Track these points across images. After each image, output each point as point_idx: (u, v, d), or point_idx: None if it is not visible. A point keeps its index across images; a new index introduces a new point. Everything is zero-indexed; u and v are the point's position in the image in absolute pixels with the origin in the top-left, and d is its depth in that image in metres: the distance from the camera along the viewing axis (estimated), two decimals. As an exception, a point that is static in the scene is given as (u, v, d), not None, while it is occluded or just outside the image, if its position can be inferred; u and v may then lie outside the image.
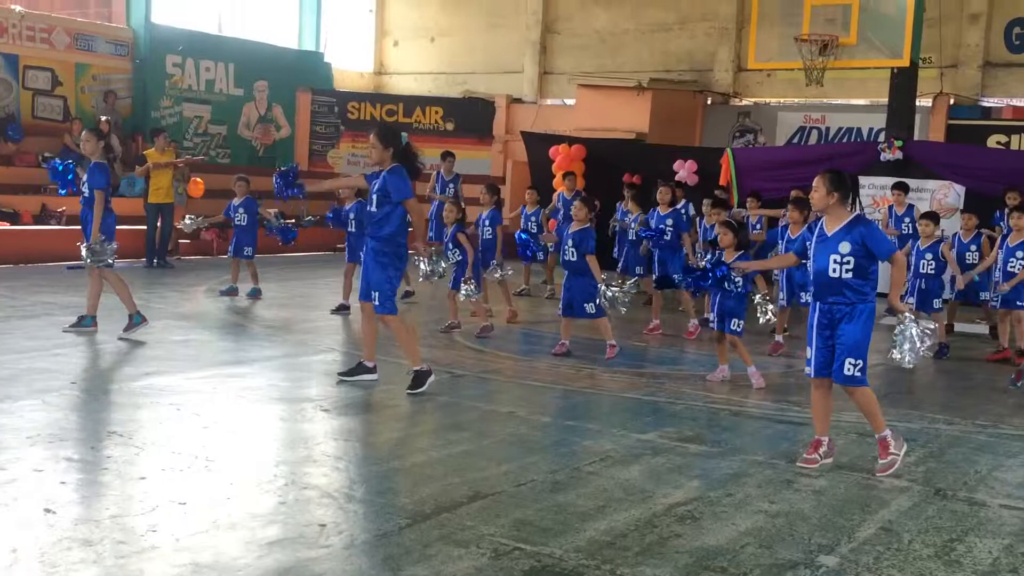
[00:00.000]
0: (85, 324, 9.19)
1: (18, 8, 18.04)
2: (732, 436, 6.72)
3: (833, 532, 4.86)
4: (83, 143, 9.34)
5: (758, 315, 8.26)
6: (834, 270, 5.78)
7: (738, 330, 8.31)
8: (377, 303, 7.44)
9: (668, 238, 11.19)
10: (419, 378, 7.48)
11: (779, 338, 10.11)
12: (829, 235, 5.86)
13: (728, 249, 8.46)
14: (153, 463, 5.44)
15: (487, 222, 11.22)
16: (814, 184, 5.95)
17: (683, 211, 12.20)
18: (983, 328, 11.99)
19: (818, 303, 5.92)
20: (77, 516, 4.55)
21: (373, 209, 7.42)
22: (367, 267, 7.53)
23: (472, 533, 4.57)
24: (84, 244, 9.09)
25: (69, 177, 9.50)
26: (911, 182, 13.72)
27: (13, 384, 7.06)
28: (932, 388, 9.17)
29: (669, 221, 11.27)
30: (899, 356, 5.92)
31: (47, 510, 4.58)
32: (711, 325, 8.64)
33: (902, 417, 7.35)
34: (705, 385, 8.34)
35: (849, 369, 5.77)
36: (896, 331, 5.95)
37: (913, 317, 5.96)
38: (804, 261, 6.16)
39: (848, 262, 5.75)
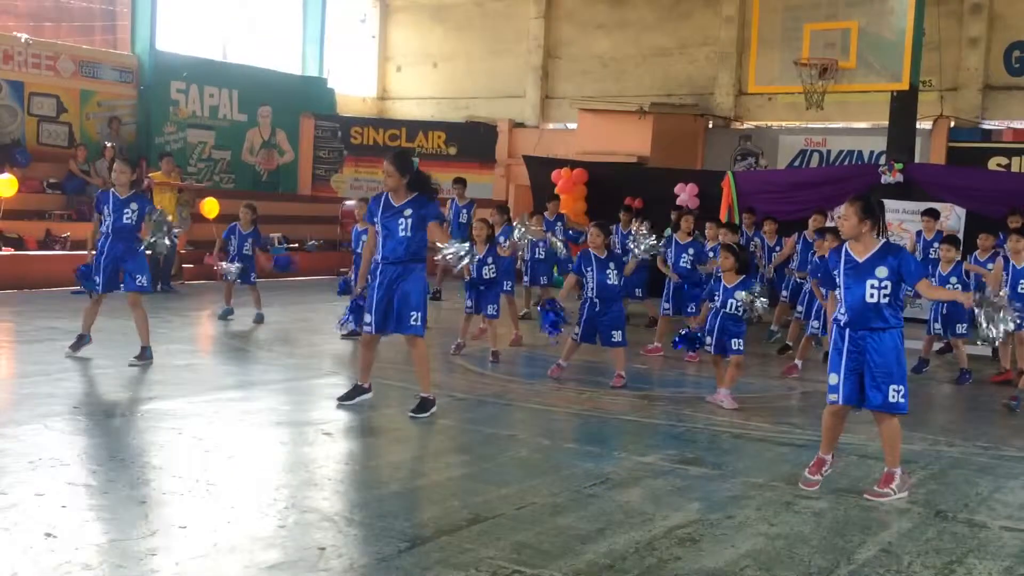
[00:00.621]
0: (148, 357, 9.15)
1: (24, 36, 18.19)
2: (732, 458, 6.72)
3: (833, 554, 4.86)
4: (118, 175, 9.21)
5: (744, 311, 8.23)
6: (871, 295, 5.76)
7: (739, 349, 8.32)
8: (418, 323, 7.44)
9: (689, 267, 11.16)
10: (425, 404, 7.50)
11: (798, 363, 10.07)
12: (861, 261, 5.83)
13: (728, 272, 8.48)
14: (154, 487, 5.46)
15: (501, 239, 11.26)
16: (844, 213, 5.93)
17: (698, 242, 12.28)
18: (986, 350, 11.95)
19: (848, 331, 5.84)
20: (78, 540, 4.55)
21: (409, 234, 7.39)
22: (403, 292, 7.40)
23: (472, 556, 4.58)
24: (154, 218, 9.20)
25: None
26: (911, 205, 13.78)
27: (16, 408, 7.09)
28: (933, 409, 9.16)
29: (691, 251, 11.24)
30: (990, 329, 5.95)
31: (48, 534, 4.59)
32: (708, 348, 8.62)
33: (904, 438, 7.32)
34: (706, 407, 8.34)
35: (893, 396, 5.74)
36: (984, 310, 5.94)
37: (978, 299, 5.95)
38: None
39: (885, 287, 5.75)
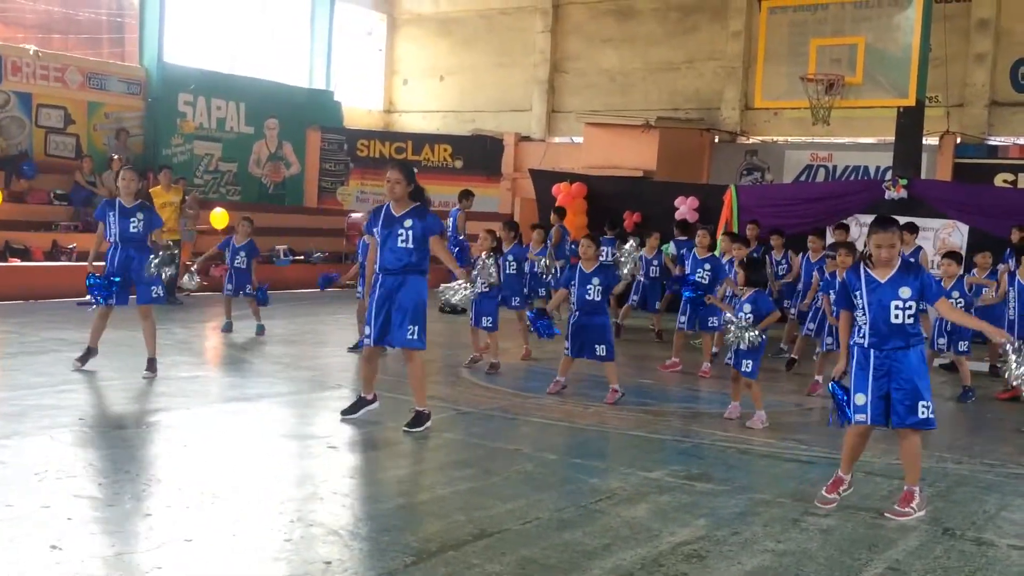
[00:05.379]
0: (154, 369, 9.12)
1: (32, 47, 18.27)
2: (739, 474, 6.70)
3: (840, 572, 4.83)
4: (127, 183, 9.12)
5: (729, 338, 8.20)
6: (896, 316, 5.70)
7: (749, 371, 8.26)
8: (416, 337, 7.41)
9: (705, 283, 10.95)
10: (419, 418, 7.49)
11: (819, 379, 9.98)
12: (883, 282, 5.75)
13: (741, 287, 8.48)
14: (160, 500, 5.45)
15: (511, 258, 11.27)
16: (885, 241, 5.71)
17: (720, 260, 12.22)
18: (983, 366, 11.89)
19: (873, 351, 5.77)
20: (83, 553, 4.55)
21: (411, 246, 7.38)
22: (401, 304, 7.37)
23: (478, 571, 4.56)
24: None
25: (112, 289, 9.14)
26: (918, 221, 13.74)
27: (21, 420, 7.08)
28: (940, 427, 9.07)
29: (707, 266, 11.11)
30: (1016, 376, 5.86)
31: (54, 547, 4.58)
32: (728, 361, 8.58)
33: (910, 456, 7.32)
34: (713, 423, 8.31)
35: (923, 412, 5.72)
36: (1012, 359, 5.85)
37: (1016, 345, 5.85)
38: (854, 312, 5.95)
39: (910, 307, 5.70)
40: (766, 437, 7.89)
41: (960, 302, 10.23)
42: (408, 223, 7.39)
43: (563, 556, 4.83)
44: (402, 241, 7.40)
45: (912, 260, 6.11)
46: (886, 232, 5.74)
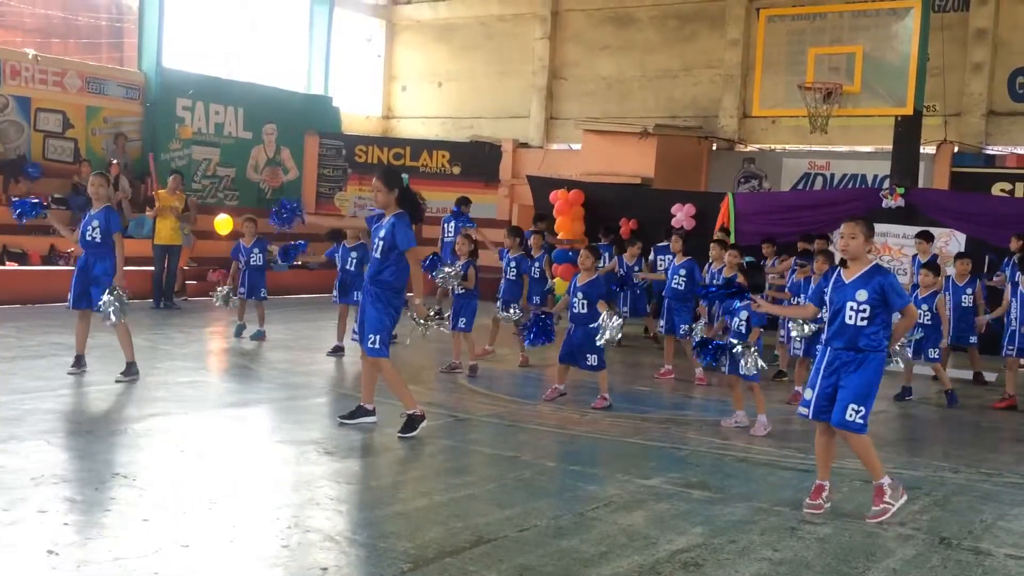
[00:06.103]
0: (134, 372, 9.08)
1: (31, 52, 18.27)
2: (736, 482, 6.70)
3: (837, 580, 4.84)
4: (95, 188, 9.01)
5: (742, 363, 8.20)
6: (850, 317, 5.80)
7: (750, 375, 8.26)
8: (376, 346, 7.43)
9: (682, 288, 11.04)
10: (411, 422, 7.49)
11: (799, 389, 9.96)
12: (847, 282, 5.89)
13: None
14: (156, 505, 5.44)
15: (512, 264, 11.31)
16: (847, 232, 5.93)
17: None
18: (967, 374, 11.89)
19: (828, 348, 5.92)
20: (80, 558, 4.54)
21: (378, 256, 7.44)
22: (364, 311, 7.51)
23: (474, 578, 4.56)
24: (112, 291, 8.87)
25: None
26: (912, 229, 13.76)
27: (18, 424, 7.07)
28: (937, 436, 9.14)
29: (682, 271, 11.11)
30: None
31: (50, 552, 4.58)
32: (723, 369, 8.57)
33: (907, 465, 7.33)
34: (710, 431, 8.31)
35: (851, 415, 5.78)
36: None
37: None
38: (821, 313, 6.14)
39: (864, 310, 5.78)
40: (763, 445, 7.89)
41: (929, 315, 10.25)
42: (382, 233, 7.43)
43: (560, 563, 4.83)
44: (374, 250, 7.49)
45: (883, 268, 6.12)
46: (847, 223, 5.99)
